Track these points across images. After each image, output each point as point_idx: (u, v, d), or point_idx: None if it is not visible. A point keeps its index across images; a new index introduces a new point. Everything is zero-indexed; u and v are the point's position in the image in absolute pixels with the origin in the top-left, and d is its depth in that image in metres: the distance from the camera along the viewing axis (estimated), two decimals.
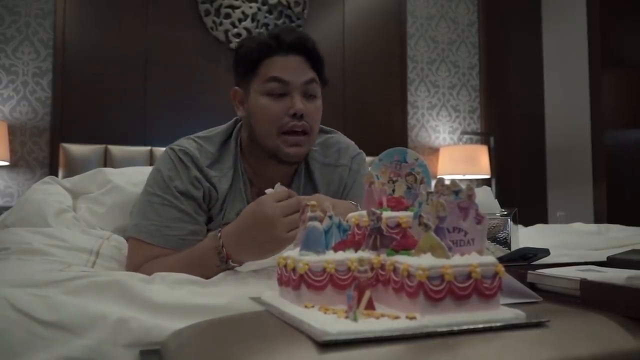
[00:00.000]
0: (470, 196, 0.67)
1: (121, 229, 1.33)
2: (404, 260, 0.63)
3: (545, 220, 3.66)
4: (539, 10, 4.00)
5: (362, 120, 3.42)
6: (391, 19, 3.64)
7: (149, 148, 2.76)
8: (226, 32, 3.16)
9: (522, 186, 3.83)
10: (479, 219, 0.67)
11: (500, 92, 3.92)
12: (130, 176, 1.46)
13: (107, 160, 2.70)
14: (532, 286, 0.82)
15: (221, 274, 0.96)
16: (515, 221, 1.16)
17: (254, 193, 1.20)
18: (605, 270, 0.83)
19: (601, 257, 1.03)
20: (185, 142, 1.18)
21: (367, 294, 0.60)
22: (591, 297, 0.71)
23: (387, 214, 0.73)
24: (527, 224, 2.09)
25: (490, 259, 0.63)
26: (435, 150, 3.74)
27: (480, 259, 0.63)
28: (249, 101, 1.16)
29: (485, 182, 3.78)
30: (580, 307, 0.72)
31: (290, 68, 1.13)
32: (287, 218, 0.92)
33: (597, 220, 3.39)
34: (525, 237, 1.38)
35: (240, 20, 3.21)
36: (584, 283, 0.73)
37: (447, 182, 0.69)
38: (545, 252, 0.97)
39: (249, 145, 1.20)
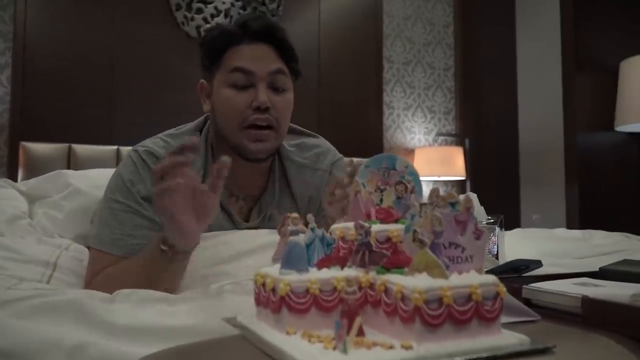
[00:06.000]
0: (469, 208, 0.61)
1: (82, 235, 1.23)
2: (397, 280, 0.57)
3: (518, 222, 3.67)
4: (514, 12, 4.02)
5: (337, 120, 3.36)
6: (368, 19, 3.59)
7: (115, 147, 2.64)
8: (198, 27, 3.06)
9: (498, 188, 3.83)
10: (478, 234, 0.61)
11: (475, 93, 3.92)
12: (93, 178, 1.37)
13: (70, 160, 2.56)
14: (527, 301, 0.77)
15: (194, 290, 0.87)
16: (502, 229, 1.12)
17: (225, 195, 1.12)
18: (603, 284, 0.79)
19: (590, 265, 1.01)
20: (150, 142, 1.09)
21: (358, 320, 0.54)
22: (594, 316, 0.67)
23: (376, 227, 0.66)
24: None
25: (490, 277, 0.58)
26: (410, 152, 3.71)
27: (480, 278, 0.57)
28: (213, 94, 1.09)
29: (461, 183, 3.77)
30: (581, 326, 0.67)
31: (255, 57, 1.05)
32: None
33: (569, 222, 3.41)
34: (508, 244, 1.34)
35: (212, 16, 3.11)
36: (585, 301, 0.68)
37: (442, 193, 0.63)
38: (538, 263, 0.93)
39: (215, 141, 1.13)
